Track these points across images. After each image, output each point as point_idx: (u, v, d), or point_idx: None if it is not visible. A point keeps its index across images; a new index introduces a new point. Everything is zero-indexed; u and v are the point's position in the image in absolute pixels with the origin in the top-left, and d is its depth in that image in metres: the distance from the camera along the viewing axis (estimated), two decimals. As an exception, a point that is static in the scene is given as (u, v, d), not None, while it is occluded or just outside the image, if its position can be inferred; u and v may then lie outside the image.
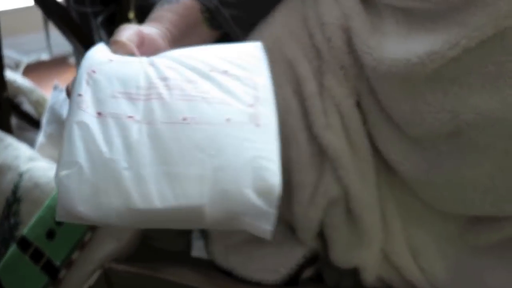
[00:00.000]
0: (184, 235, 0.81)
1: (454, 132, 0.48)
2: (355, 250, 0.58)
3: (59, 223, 0.64)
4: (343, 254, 0.59)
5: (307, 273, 0.65)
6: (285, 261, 0.62)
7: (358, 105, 0.56)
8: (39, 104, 1.15)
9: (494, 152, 0.48)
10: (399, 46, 0.47)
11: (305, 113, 0.55)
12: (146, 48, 0.48)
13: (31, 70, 1.87)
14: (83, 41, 0.84)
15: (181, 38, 0.52)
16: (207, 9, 0.54)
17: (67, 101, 0.87)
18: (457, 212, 0.56)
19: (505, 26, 0.42)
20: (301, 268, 0.62)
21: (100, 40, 1.01)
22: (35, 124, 1.11)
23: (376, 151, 0.56)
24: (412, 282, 0.58)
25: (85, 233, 0.63)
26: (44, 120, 0.92)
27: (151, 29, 0.50)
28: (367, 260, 0.58)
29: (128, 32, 0.47)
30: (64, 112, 0.83)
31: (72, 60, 1.82)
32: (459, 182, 0.51)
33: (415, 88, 0.48)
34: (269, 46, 0.50)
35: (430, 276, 0.57)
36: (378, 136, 0.55)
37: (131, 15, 0.95)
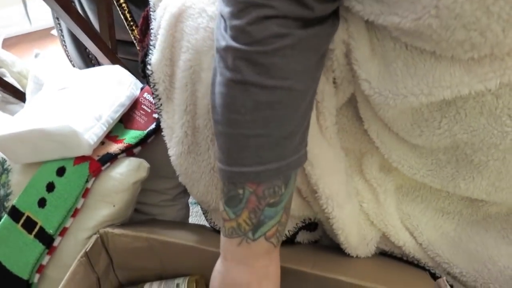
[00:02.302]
0: (181, 199, 0.80)
1: (452, 146, 0.49)
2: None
3: (50, 191, 0.62)
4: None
5: (305, 236, 0.65)
6: None
7: (354, 105, 0.54)
8: (22, 75, 1.11)
9: (488, 171, 0.49)
10: (397, 79, 0.46)
11: None
12: None
13: (11, 43, 1.82)
14: (62, 4, 0.81)
15: None
16: None
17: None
18: None
19: (510, 80, 0.41)
20: (298, 230, 0.62)
21: (80, 3, 0.98)
22: (19, 95, 1.08)
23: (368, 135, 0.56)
24: (415, 257, 0.59)
25: (77, 200, 0.62)
26: (27, 90, 0.90)
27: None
28: (339, 223, 0.56)
29: None
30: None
31: (54, 32, 1.77)
32: (455, 189, 0.53)
33: (413, 109, 0.48)
34: None
35: (431, 253, 0.58)
36: (376, 139, 0.55)
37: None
